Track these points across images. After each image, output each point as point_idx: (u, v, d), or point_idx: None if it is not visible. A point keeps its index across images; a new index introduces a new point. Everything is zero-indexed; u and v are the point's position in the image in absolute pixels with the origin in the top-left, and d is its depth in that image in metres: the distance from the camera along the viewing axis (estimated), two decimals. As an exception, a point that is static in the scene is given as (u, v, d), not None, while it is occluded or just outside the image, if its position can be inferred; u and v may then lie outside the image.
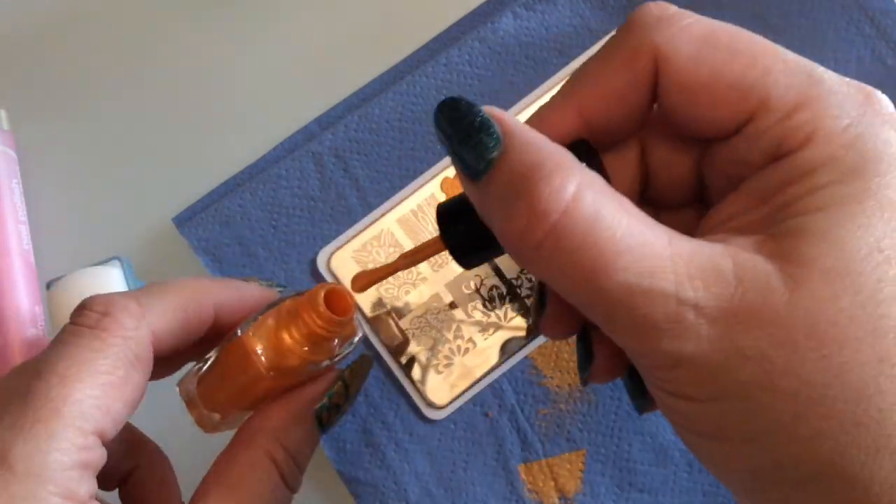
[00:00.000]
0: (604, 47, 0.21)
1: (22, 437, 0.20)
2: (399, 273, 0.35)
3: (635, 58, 0.20)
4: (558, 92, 0.22)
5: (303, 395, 0.26)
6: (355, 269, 0.35)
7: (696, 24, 0.20)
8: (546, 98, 0.36)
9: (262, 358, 0.24)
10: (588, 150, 0.21)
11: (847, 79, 0.20)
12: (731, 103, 0.20)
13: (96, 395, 0.21)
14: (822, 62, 0.35)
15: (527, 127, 0.20)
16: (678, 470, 0.33)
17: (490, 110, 0.20)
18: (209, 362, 0.25)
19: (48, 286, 0.33)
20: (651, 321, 0.18)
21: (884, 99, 0.20)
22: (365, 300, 0.35)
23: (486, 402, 0.34)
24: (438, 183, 0.35)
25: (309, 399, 0.26)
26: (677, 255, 0.18)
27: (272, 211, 0.36)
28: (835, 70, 0.35)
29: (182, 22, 0.38)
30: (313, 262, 0.35)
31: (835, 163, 0.18)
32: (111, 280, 0.33)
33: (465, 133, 0.20)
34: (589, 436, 0.34)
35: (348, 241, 0.35)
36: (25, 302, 0.35)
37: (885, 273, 0.17)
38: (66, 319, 0.31)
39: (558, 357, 0.34)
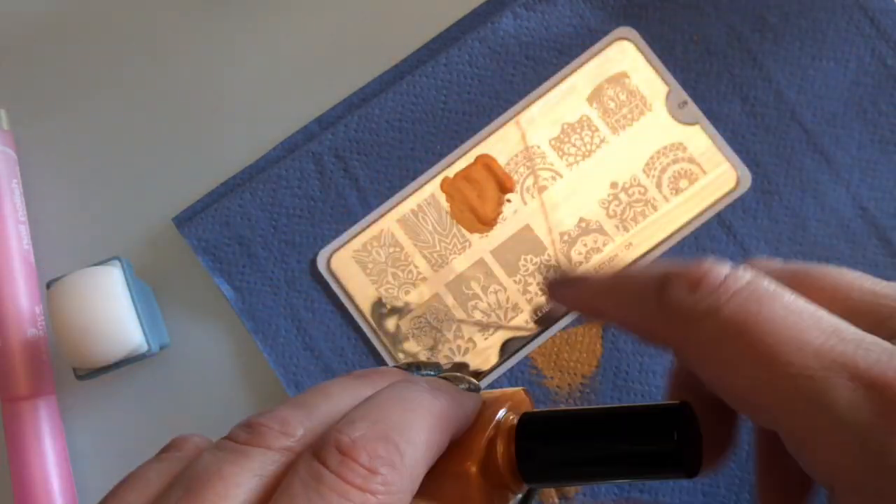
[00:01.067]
0: (633, 292, 0.21)
1: None
2: (398, 273, 0.35)
3: (653, 334, 0.20)
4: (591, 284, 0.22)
5: None
6: (356, 270, 0.35)
7: (716, 318, 0.18)
8: (546, 97, 0.36)
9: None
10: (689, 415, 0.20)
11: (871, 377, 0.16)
12: (759, 419, 0.18)
13: None
14: (822, 62, 0.35)
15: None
16: (678, 470, 0.33)
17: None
18: None
19: (48, 286, 0.33)
20: None
21: None
22: (364, 301, 0.35)
23: (486, 402, 0.34)
24: (438, 182, 0.35)
25: None
26: None
27: (272, 211, 0.36)
28: (834, 70, 0.35)
29: (182, 21, 0.38)
30: (313, 263, 0.35)
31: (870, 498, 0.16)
32: (111, 280, 0.32)
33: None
34: (589, 436, 0.34)
35: (348, 241, 0.35)
36: (25, 302, 0.35)
37: None
38: (67, 319, 0.32)
39: (558, 357, 0.34)
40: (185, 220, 0.36)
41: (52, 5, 0.38)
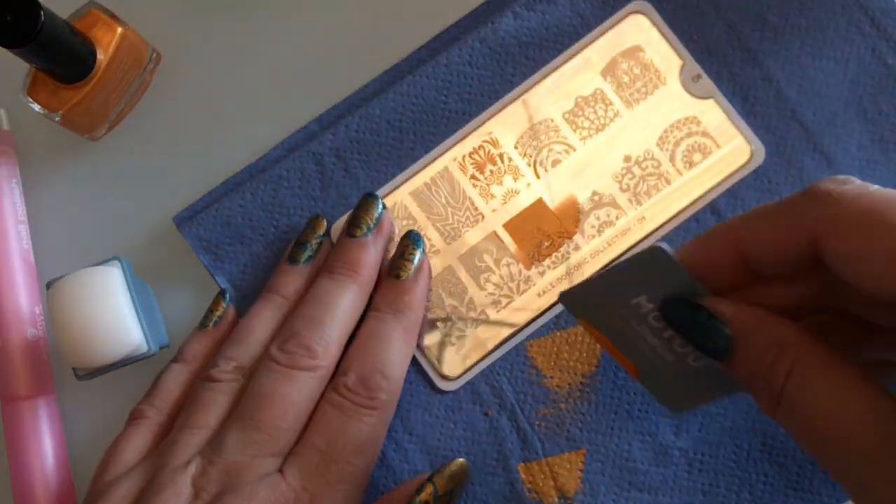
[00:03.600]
0: (779, 203, 0.25)
1: None
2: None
3: (795, 228, 0.24)
4: (724, 224, 0.26)
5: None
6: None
7: (860, 200, 0.23)
8: (560, 70, 0.36)
9: None
10: None
11: None
12: (887, 278, 0.22)
13: None
14: (822, 61, 0.35)
15: (749, 312, 0.25)
16: (678, 469, 0.33)
17: (716, 306, 0.25)
18: None
19: (48, 286, 0.33)
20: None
21: None
22: None
23: (486, 401, 0.34)
24: (452, 157, 0.36)
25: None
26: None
27: (273, 211, 0.36)
28: (835, 70, 0.35)
29: (182, 22, 0.38)
30: (313, 262, 0.35)
31: None
32: (111, 280, 0.33)
33: (697, 333, 0.25)
34: (589, 435, 0.34)
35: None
36: (25, 302, 0.35)
37: None
38: (67, 319, 0.32)
39: (558, 356, 0.34)
40: (185, 220, 0.36)
41: (52, 5, 0.38)
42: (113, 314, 0.32)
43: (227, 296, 0.35)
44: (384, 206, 0.34)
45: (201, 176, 0.37)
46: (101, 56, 0.34)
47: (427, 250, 0.35)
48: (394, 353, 0.32)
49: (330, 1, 0.38)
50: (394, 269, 0.33)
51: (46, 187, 0.38)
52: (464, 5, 0.37)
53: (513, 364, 0.34)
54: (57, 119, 0.34)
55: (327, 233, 0.35)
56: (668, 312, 0.26)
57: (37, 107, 0.34)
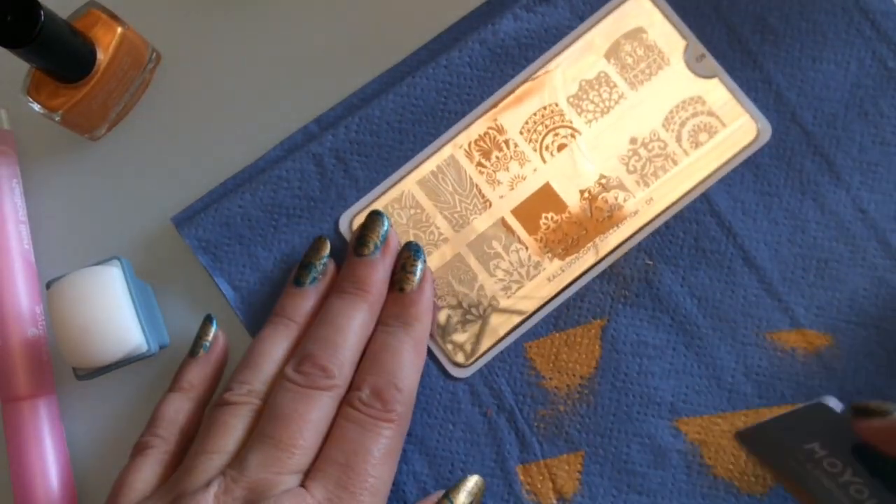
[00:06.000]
0: None
1: None
2: (420, 234, 0.36)
3: None
4: None
5: None
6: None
7: None
8: (564, 55, 0.36)
9: None
10: None
11: None
12: None
13: None
14: (823, 64, 0.35)
15: None
16: (676, 472, 0.33)
17: None
18: None
19: (48, 286, 0.33)
20: None
21: None
22: None
23: (484, 402, 0.34)
24: (458, 144, 0.36)
25: None
26: None
27: (272, 212, 0.36)
28: (835, 72, 0.35)
29: (181, 22, 0.38)
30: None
31: None
32: (111, 280, 0.33)
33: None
34: (587, 437, 0.34)
35: (371, 203, 0.36)
36: (25, 302, 0.36)
37: None
38: (67, 319, 0.32)
39: (557, 358, 0.34)
40: (184, 221, 0.36)
41: (53, 4, 0.38)
42: (113, 314, 0.32)
43: (214, 321, 0.35)
44: (390, 223, 0.34)
45: (201, 176, 0.37)
46: (101, 56, 0.34)
47: (435, 240, 0.35)
48: (405, 364, 0.32)
49: (330, 1, 0.38)
50: (397, 283, 0.34)
51: (46, 187, 0.38)
52: (463, 7, 0.37)
53: (511, 365, 0.34)
54: (57, 119, 0.34)
55: (332, 250, 0.35)
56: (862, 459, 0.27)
57: (37, 107, 0.34)
